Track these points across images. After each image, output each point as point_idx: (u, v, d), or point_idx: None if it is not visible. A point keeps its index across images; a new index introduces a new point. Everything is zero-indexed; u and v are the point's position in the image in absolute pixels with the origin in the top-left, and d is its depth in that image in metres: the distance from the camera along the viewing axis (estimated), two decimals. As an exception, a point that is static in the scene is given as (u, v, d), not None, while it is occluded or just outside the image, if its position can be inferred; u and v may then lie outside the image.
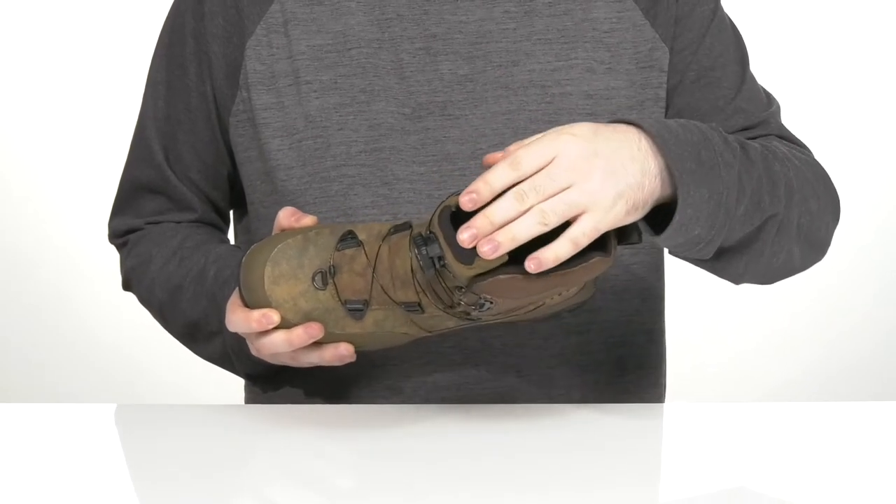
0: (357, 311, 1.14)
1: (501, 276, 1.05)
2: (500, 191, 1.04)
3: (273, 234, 1.21)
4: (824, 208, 1.29)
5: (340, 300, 1.14)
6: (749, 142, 1.21)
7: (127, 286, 1.44)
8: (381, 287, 1.14)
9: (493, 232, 1.03)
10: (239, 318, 1.17)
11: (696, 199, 1.10)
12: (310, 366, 1.20)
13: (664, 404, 1.35)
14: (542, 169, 1.04)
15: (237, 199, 1.44)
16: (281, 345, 1.17)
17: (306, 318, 1.15)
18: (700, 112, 1.36)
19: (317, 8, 1.34)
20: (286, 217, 1.20)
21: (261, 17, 1.34)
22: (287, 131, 1.33)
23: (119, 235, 1.45)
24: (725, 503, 1.02)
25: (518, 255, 1.07)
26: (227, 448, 1.15)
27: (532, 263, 1.03)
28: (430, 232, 1.08)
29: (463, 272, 1.06)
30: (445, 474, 1.07)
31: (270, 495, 1.03)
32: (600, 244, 1.08)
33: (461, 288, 1.08)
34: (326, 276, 1.15)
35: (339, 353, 1.17)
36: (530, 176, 1.04)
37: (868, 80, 2.95)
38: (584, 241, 1.04)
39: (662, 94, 1.35)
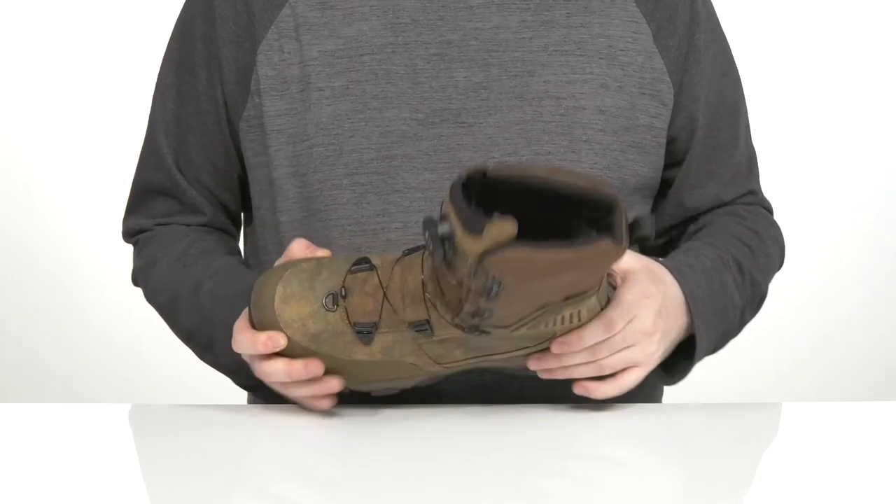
0: (366, 332, 1.13)
1: (510, 249, 1.03)
2: (588, 346, 1.16)
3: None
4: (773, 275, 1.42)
5: (350, 322, 1.14)
6: (746, 260, 1.35)
7: (135, 284, 1.45)
8: (392, 306, 1.13)
9: (556, 367, 1.18)
10: (245, 340, 1.17)
11: (707, 345, 1.28)
12: (295, 399, 1.20)
13: (664, 405, 1.36)
14: (620, 331, 1.17)
15: (248, 202, 1.43)
16: (280, 374, 1.17)
17: (314, 340, 1.14)
18: (702, 172, 1.42)
19: (328, 13, 1.33)
20: (300, 250, 1.21)
21: (272, 21, 1.34)
22: (298, 138, 1.32)
23: (131, 235, 1.45)
24: (725, 503, 1.03)
25: (526, 235, 1.05)
26: (229, 448, 1.15)
27: (580, 389, 1.19)
28: (442, 214, 1.07)
29: (472, 246, 1.04)
30: (449, 474, 1.06)
31: (272, 495, 1.03)
32: (611, 232, 1.06)
33: (471, 274, 1.06)
34: (337, 297, 1.15)
35: (329, 386, 1.17)
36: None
37: (866, 75, 2.95)
38: (627, 390, 1.19)
39: (658, 124, 1.36)
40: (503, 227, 1.02)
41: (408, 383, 1.17)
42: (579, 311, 1.14)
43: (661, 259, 1.28)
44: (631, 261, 1.22)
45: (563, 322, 1.14)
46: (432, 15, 1.33)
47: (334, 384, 1.17)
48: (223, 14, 1.36)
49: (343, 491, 1.03)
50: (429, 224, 1.07)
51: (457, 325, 1.12)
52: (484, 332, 1.12)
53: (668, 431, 1.20)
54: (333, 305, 1.15)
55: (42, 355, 2.95)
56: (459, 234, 1.04)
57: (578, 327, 1.16)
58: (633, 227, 1.08)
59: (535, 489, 1.04)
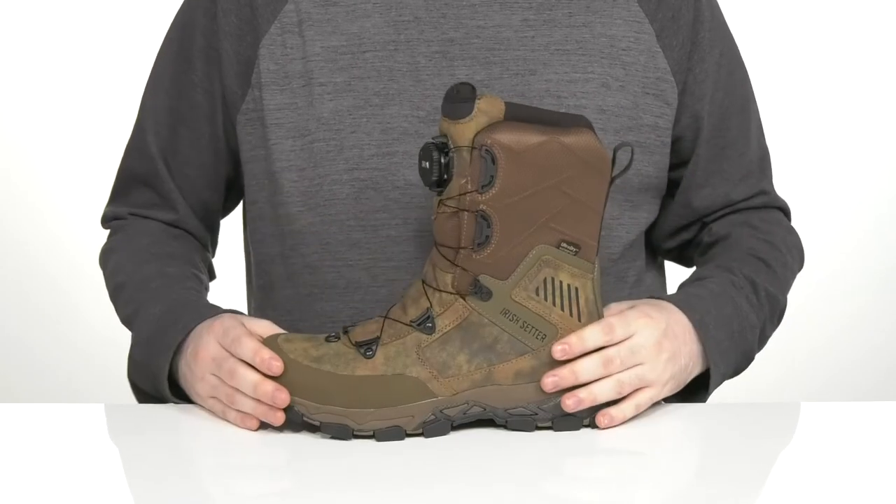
0: (368, 345, 1.14)
1: (501, 122, 1.11)
2: (589, 350, 1.17)
3: None
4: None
5: (352, 343, 1.15)
6: (761, 277, 1.34)
7: (99, 265, 1.46)
8: (394, 320, 1.15)
9: (574, 386, 1.16)
10: (249, 348, 1.16)
11: (724, 370, 1.28)
12: (238, 413, 1.18)
13: (664, 405, 1.37)
14: (625, 341, 1.18)
15: (243, 198, 1.44)
16: (247, 385, 1.15)
17: (316, 361, 1.14)
18: (710, 171, 1.42)
19: (332, 9, 1.34)
20: (266, 328, 1.22)
21: (275, 16, 1.34)
22: (299, 132, 1.33)
23: (107, 221, 1.48)
24: (727, 502, 1.02)
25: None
26: (228, 447, 1.15)
27: (605, 419, 1.17)
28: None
29: (465, 131, 1.11)
30: (446, 473, 1.07)
31: (269, 493, 1.03)
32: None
33: (468, 162, 1.11)
34: (339, 334, 1.16)
35: (275, 417, 1.15)
36: (615, 344, 1.18)
37: (871, 73, 2.94)
38: (643, 409, 1.20)
39: (662, 124, 1.37)
40: (491, 101, 1.11)
41: (412, 420, 1.14)
42: (577, 291, 1.16)
43: (664, 295, 1.29)
44: (631, 302, 1.24)
45: (561, 306, 1.16)
46: (435, 13, 1.33)
47: (280, 416, 1.15)
48: (225, 7, 1.36)
49: (339, 491, 1.03)
50: (424, 148, 1.13)
51: (457, 291, 1.14)
52: (482, 290, 1.14)
53: (667, 432, 1.20)
54: (335, 339, 1.16)
55: (42, 355, 2.95)
56: (451, 128, 1.11)
57: (577, 328, 1.17)
58: (616, 148, 1.16)
59: (538, 490, 1.04)
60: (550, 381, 1.16)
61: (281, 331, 1.20)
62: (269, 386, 1.14)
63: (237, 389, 1.16)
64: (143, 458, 1.13)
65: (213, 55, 1.37)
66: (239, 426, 1.17)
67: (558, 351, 1.15)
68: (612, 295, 1.34)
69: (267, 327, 1.21)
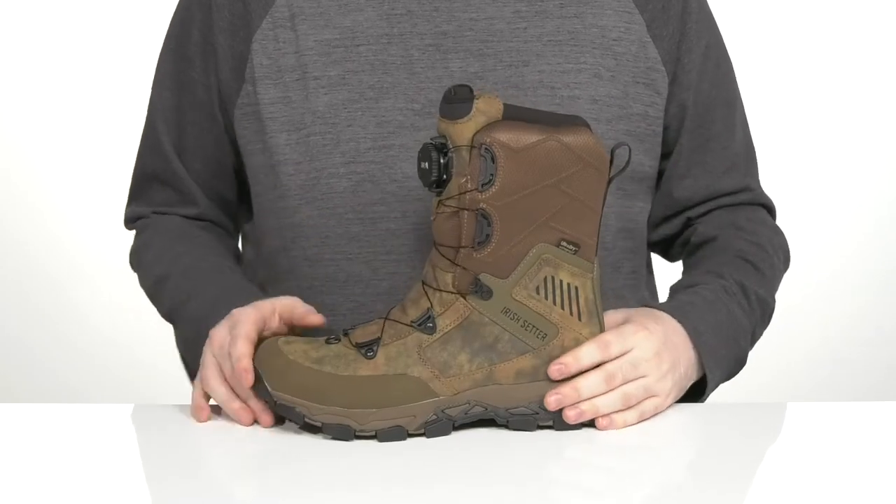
0: (369, 346, 1.14)
1: (499, 121, 1.12)
2: (586, 368, 1.16)
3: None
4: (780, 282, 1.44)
5: (353, 345, 1.15)
6: (750, 280, 1.35)
7: (131, 266, 1.46)
8: (394, 321, 1.15)
9: (577, 402, 1.16)
10: (238, 351, 1.16)
11: (720, 376, 1.29)
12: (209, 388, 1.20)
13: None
14: (625, 356, 1.18)
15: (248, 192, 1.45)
16: (240, 378, 1.16)
17: (317, 362, 1.14)
18: (692, 162, 1.42)
19: (324, 2, 1.34)
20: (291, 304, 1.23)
21: (266, 10, 1.35)
22: (294, 126, 1.33)
23: (131, 222, 1.48)
24: (724, 503, 1.03)
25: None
26: (228, 447, 1.15)
27: (605, 421, 1.17)
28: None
29: (464, 131, 1.11)
30: (448, 473, 1.07)
31: (269, 492, 1.03)
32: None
33: (467, 161, 1.11)
34: (339, 336, 1.16)
35: (240, 417, 1.17)
36: (613, 359, 1.17)
37: (871, 75, 2.95)
38: (647, 416, 1.20)
39: (653, 113, 1.38)
40: (490, 101, 1.11)
41: (414, 420, 1.14)
42: (577, 290, 1.16)
43: (659, 303, 1.29)
44: (626, 314, 1.24)
45: (561, 305, 1.15)
46: (427, 6, 1.34)
47: (247, 419, 1.17)
48: (219, 2, 1.37)
49: (341, 492, 1.03)
50: (423, 149, 1.13)
51: (457, 290, 1.14)
52: (482, 289, 1.14)
53: (666, 432, 1.20)
54: (336, 341, 1.16)
55: (42, 355, 2.95)
56: (450, 128, 1.12)
57: (577, 334, 1.16)
58: (614, 149, 1.16)
59: (539, 490, 1.04)
60: (553, 399, 1.16)
61: (304, 306, 1.22)
62: (236, 406, 1.17)
63: (214, 377, 1.19)
64: (141, 459, 1.14)
65: (209, 50, 1.38)
66: (194, 413, 1.20)
67: (555, 371, 1.16)
68: (608, 285, 1.34)
69: (288, 302, 1.23)
